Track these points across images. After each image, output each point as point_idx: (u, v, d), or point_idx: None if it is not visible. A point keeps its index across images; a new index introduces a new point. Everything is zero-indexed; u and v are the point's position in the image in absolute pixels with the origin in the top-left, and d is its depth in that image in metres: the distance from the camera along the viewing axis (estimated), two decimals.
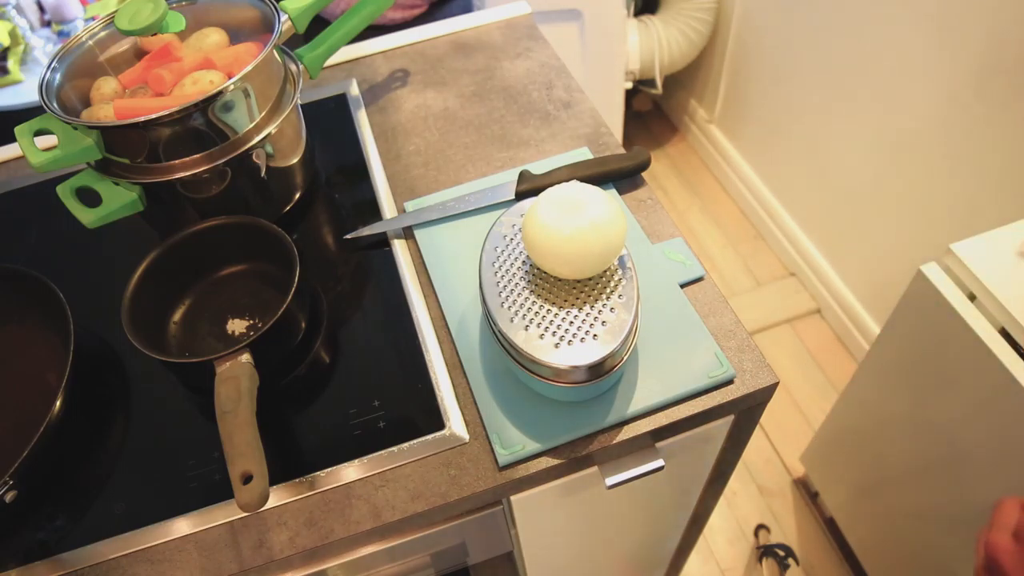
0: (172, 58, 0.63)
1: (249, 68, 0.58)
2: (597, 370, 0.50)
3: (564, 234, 0.49)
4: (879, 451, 1.16)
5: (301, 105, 0.73)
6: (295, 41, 0.71)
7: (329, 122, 0.83)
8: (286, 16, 0.67)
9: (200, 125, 0.59)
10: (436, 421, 0.56)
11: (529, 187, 0.69)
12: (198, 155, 0.61)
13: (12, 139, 0.62)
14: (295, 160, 0.71)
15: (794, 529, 1.46)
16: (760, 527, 1.46)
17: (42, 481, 0.56)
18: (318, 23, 0.75)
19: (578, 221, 0.49)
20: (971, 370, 0.88)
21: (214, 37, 0.65)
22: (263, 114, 0.64)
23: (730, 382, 0.57)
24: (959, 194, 1.27)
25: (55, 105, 0.59)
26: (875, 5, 1.30)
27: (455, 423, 0.56)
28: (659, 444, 0.58)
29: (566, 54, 1.63)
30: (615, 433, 0.55)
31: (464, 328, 0.62)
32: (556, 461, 0.54)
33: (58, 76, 0.63)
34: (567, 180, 0.68)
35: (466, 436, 0.56)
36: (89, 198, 0.61)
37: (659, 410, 0.56)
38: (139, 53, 0.67)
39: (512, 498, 0.58)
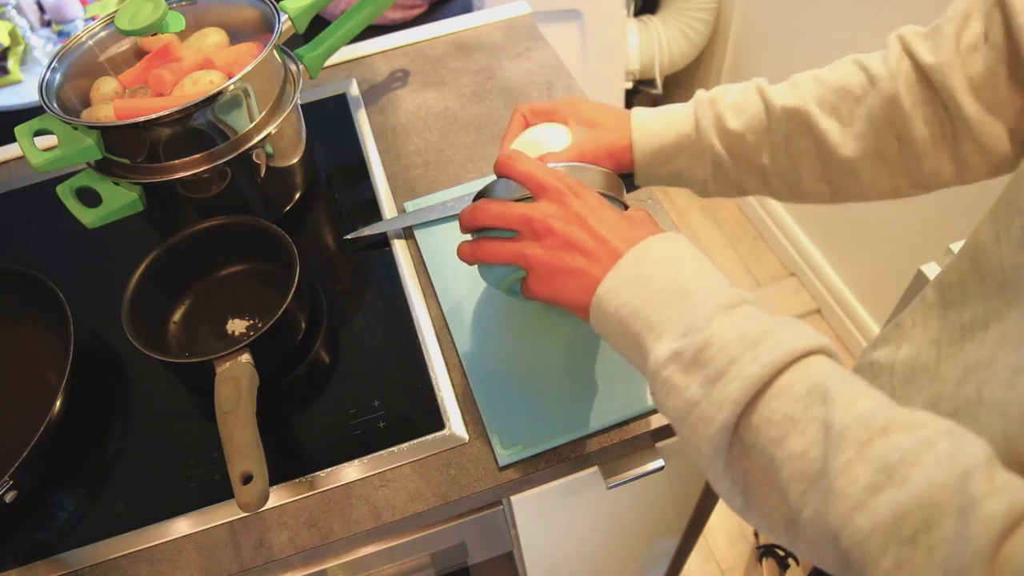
0: (172, 58, 0.63)
1: (249, 68, 0.58)
2: None
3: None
4: None
5: (301, 105, 0.73)
6: (295, 41, 0.71)
7: (329, 122, 0.83)
8: (286, 16, 0.67)
9: (200, 125, 0.59)
10: (436, 421, 0.56)
11: None
12: (198, 155, 0.61)
13: (12, 139, 0.62)
14: (295, 160, 0.71)
15: None
16: None
17: (42, 481, 0.56)
18: (318, 23, 0.75)
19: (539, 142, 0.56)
20: None
21: (214, 37, 0.65)
22: (263, 114, 0.64)
23: None
24: (959, 194, 1.27)
25: (55, 105, 0.59)
26: (875, 5, 1.30)
27: (455, 423, 0.56)
28: (659, 444, 0.58)
29: (566, 54, 1.63)
30: (615, 433, 0.55)
31: (464, 328, 0.62)
32: (556, 461, 0.54)
33: (58, 76, 0.63)
34: None
35: (466, 436, 0.56)
36: (89, 198, 0.61)
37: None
38: (139, 53, 0.66)
39: (512, 498, 0.58)
